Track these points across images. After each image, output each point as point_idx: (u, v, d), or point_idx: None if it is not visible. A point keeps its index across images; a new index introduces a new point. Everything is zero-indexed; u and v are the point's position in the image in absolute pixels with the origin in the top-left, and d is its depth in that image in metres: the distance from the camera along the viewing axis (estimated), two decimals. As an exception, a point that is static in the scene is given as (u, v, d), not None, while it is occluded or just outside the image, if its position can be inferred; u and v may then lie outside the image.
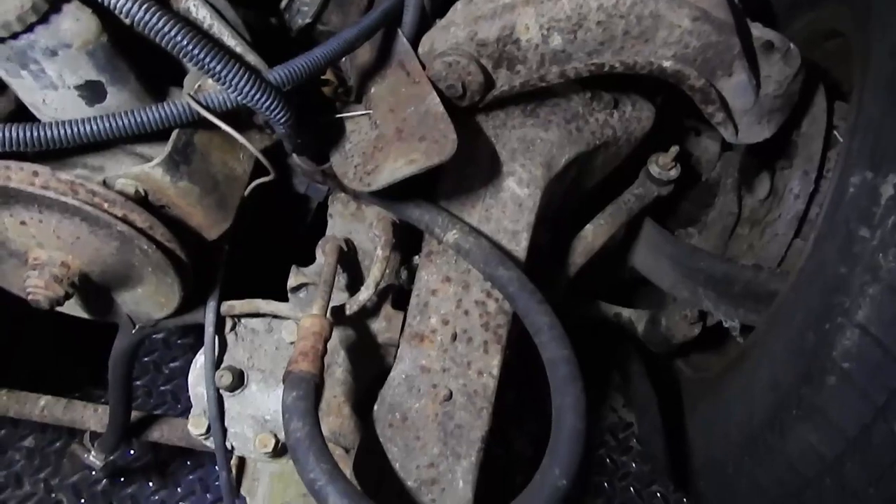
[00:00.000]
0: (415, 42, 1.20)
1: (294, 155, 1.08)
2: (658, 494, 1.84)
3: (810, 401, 1.09)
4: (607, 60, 1.15)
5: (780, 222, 1.43)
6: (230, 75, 0.86)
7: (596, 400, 2.00)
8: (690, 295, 1.52)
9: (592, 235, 1.44)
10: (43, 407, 1.43)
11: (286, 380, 0.88)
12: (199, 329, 1.04)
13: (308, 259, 1.17)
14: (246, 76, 0.87)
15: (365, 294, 1.06)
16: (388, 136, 1.07)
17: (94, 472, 1.41)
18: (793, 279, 1.22)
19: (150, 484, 1.72)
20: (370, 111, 1.12)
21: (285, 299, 1.14)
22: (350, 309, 1.06)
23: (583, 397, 0.88)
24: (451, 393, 1.05)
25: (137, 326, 1.08)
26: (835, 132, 1.43)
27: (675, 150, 1.46)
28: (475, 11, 1.17)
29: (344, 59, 1.19)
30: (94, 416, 1.42)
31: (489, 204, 1.19)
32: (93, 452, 1.38)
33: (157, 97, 0.95)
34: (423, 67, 1.17)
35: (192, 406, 1.10)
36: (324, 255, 1.11)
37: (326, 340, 0.94)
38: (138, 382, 1.89)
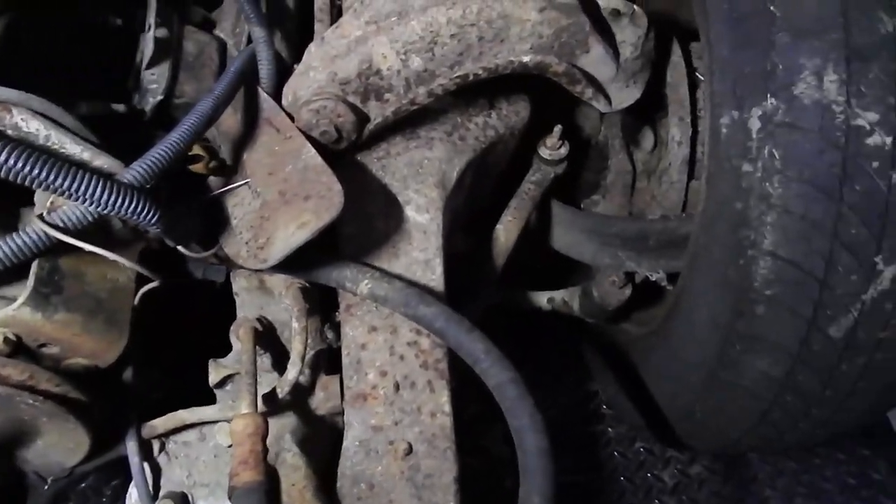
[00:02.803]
0: (277, 95, 1.16)
1: (179, 247, 1.01)
2: (642, 450, 1.85)
3: (749, 332, 1.14)
4: (470, 70, 1.13)
5: (671, 170, 1.47)
6: (80, 187, 0.79)
7: (558, 379, 2.00)
8: (613, 260, 1.54)
9: (504, 234, 1.43)
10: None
11: (232, 496, 0.82)
12: (126, 462, 0.96)
13: (226, 348, 1.11)
14: (98, 184, 0.80)
15: (293, 371, 1.01)
16: (273, 203, 1.02)
17: None
18: (698, 221, 1.25)
19: None
20: (248, 180, 1.06)
21: (213, 398, 1.07)
22: (282, 391, 1.01)
23: (538, 415, 0.87)
24: (410, 446, 1.02)
25: (49, 481, 0.98)
26: (697, 74, 1.47)
27: (558, 129, 1.46)
28: (330, 51, 1.13)
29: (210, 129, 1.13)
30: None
31: (395, 240, 1.16)
32: None
33: (5, 224, 0.86)
34: (293, 119, 1.13)
35: None
36: (239, 342, 1.05)
37: (265, 438, 0.88)
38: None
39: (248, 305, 1.13)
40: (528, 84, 1.43)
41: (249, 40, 1.22)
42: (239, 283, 1.15)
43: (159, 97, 1.16)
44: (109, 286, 0.95)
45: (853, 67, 1.00)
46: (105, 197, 0.81)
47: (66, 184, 0.78)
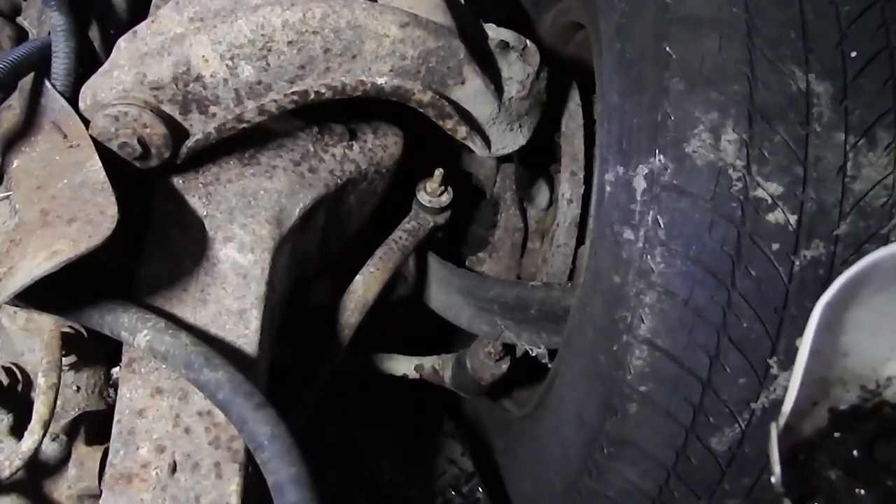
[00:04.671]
0: (74, 95, 0.95)
1: None
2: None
3: (618, 434, 0.95)
4: (311, 86, 0.95)
5: (559, 232, 1.31)
6: None
7: (431, 454, 1.79)
8: (490, 328, 1.36)
9: (364, 287, 1.24)
10: None
11: None
12: None
13: None
14: None
15: (29, 441, 0.78)
16: (30, 224, 0.81)
17: None
18: (577, 294, 1.08)
19: None
20: (8, 193, 0.85)
21: None
22: (12, 465, 0.77)
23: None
24: (175, 546, 0.79)
25: None
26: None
27: (439, 173, 1.30)
28: (141, 48, 0.94)
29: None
30: None
31: (204, 282, 0.96)
32: None
33: None
34: (87, 126, 0.92)
35: None
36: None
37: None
38: None
39: (7, 349, 0.90)
40: (404, 117, 1.27)
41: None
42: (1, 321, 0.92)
43: None
44: None
45: (756, 127, 0.83)
46: None
47: None
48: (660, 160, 0.85)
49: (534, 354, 1.35)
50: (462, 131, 1.08)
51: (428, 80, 1.01)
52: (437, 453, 1.82)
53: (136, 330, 0.82)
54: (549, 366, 1.36)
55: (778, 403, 0.86)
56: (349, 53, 0.95)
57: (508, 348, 1.41)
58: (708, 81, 0.83)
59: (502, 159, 1.52)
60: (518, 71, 1.13)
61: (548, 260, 1.43)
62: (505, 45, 1.13)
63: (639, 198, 0.87)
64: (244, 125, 0.97)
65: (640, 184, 0.87)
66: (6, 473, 0.77)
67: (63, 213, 0.80)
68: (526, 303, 1.31)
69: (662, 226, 0.85)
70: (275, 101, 0.95)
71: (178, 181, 1.02)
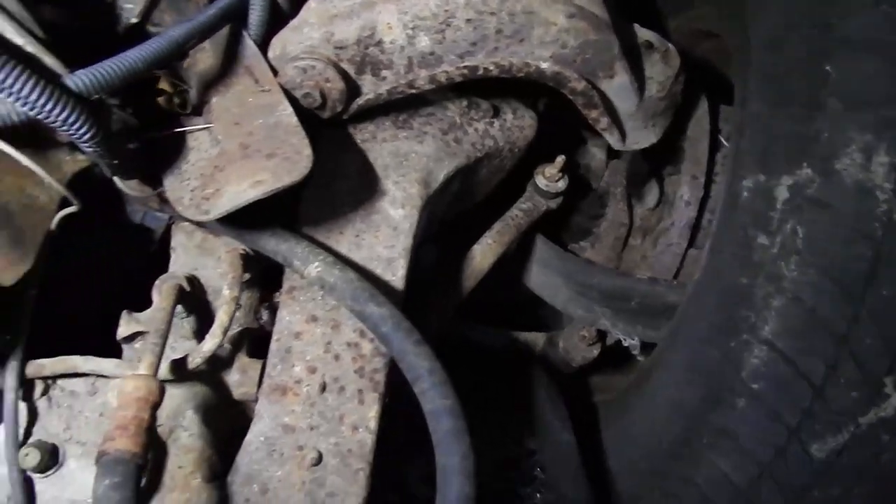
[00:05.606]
0: (264, 45, 1.05)
1: (116, 179, 0.89)
2: (567, 526, 1.72)
3: (720, 426, 1.00)
4: (481, 62, 1.03)
5: (672, 231, 1.36)
6: (13, 81, 0.68)
7: (495, 426, 1.87)
8: (586, 313, 1.43)
9: (480, 256, 1.32)
10: None
11: (99, 461, 0.70)
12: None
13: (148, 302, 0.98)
14: (35, 83, 0.68)
15: (210, 343, 0.89)
16: (232, 154, 0.91)
17: None
18: (690, 291, 1.14)
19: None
20: (211, 125, 0.95)
21: (119, 353, 0.95)
22: (193, 362, 0.88)
23: (471, 455, 0.75)
24: (320, 455, 0.89)
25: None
26: (720, 136, 1.38)
27: (561, 160, 1.37)
28: (331, 9, 1.03)
29: (184, 65, 1.02)
30: None
31: (360, 229, 1.05)
32: None
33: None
34: (275, 74, 1.02)
35: None
36: (160, 298, 0.93)
37: (155, 406, 0.76)
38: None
39: (182, 263, 1.01)
40: (537, 103, 1.34)
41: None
42: (178, 238, 1.03)
43: (133, 20, 1.05)
44: (25, 201, 0.83)
45: (911, 153, 0.85)
46: (38, 97, 0.70)
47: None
48: (807, 173, 0.90)
49: (625, 345, 1.41)
50: (603, 122, 1.15)
51: (582, 70, 1.08)
52: (499, 431, 1.89)
53: (308, 261, 0.92)
54: (638, 357, 1.42)
55: (886, 423, 0.91)
56: (518, 36, 1.03)
57: (601, 335, 1.48)
58: (866, 104, 0.87)
59: (612, 154, 1.59)
60: (659, 72, 1.19)
61: (648, 257, 1.49)
62: (649, 46, 1.19)
63: (779, 206, 0.93)
64: (413, 91, 1.06)
65: (781, 193, 0.92)
66: (191, 366, 0.87)
67: (262, 148, 0.90)
68: (628, 294, 1.37)
69: (801, 235, 0.90)
70: (446, 72, 1.03)
71: (340, 134, 1.11)
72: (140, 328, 0.93)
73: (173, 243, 1.03)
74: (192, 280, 0.96)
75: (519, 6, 1.00)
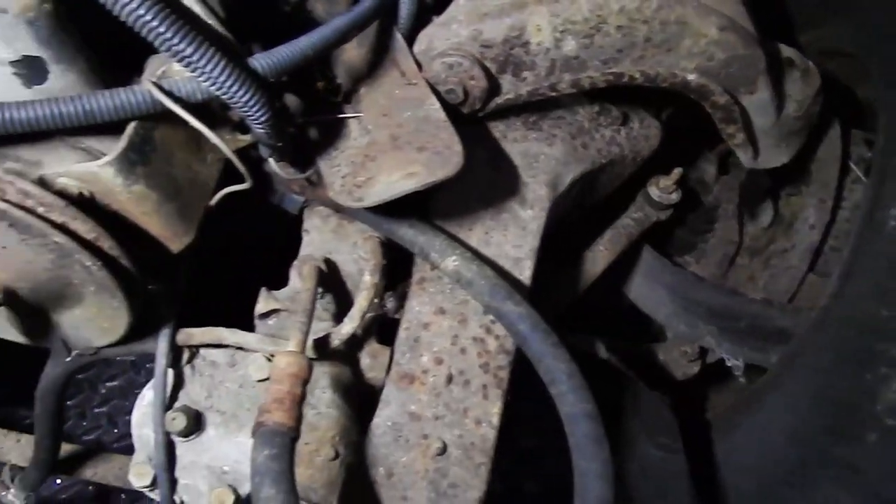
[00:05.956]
0: (411, 38, 1.07)
1: (271, 160, 0.92)
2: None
3: (845, 459, 0.98)
4: (627, 70, 1.03)
5: (792, 254, 1.33)
6: (204, 62, 0.71)
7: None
8: (689, 329, 1.41)
9: (591, 263, 1.32)
10: (-47, 432, 1.23)
11: (257, 433, 0.72)
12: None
13: (277, 280, 1.02)
14: (224, 64, 0.71)
15: (349, 326, 0.91)
16: (382, 144, 0.93)
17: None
18: (816, 318, 1.12)
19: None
20: (360, 114, 0.97)
21: (248, 327, 0.98)
22: (331, 343, 0.91)
23: (610, 461, 0.75)
24: (444, 445, 0.91)
25: (74, 353, 0.90)
26: (850, 162, 1.34)
27: (678, 172, 1.35)
28: (480, 7, 1.04)
29: (334, 54, 1.04)
30: (15, 448, 1.22)
31: (489, 226, 1.06)
32: (12, 490, 1.18)
33: (113, 83, 0.78)
34: (420, 68, 1.04)
35: (132, 443, 0.92)
36: (300, 279, 0.96)
37: (305, 383, 0.79)
38: (70, 402, 1.65)
39: (315, 245, 1.04)
40: (661, 114, 1.32)
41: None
42: (312, 221, 1.06)
43: (286, 7, 1.08)
44: (192, 176, 0.86)
45: None
46: (226, 78, 0.73)
47: (192, 53, 0.69)
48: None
49: (728, 365, 1.39)
50: (739, 138, 1.13)
51: (725, 84, 1.07)
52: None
53: (445, 254, 0.93)
54: (740, 378, 1.40)
55: None
56: (666, 46, 1.02)
57: (702, 351, 1.46)
58: None
59: (722, 169, 1.56)
60: (798, 90, 1.17)
61: (757, 278, 1.46)
62: (790, 63, 1.17)
63: (931, 237, 0.90)
64: (553, 94, 1.06)
65: (933, 224, 0.90)
66: (332, 347, 0.90)
67: (412, 141, 0.92)
68: (737, 314, 1.35)
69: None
70: (591, 77, 1.03)
71: (474, 131, 1.12)
72: (277, 305, 0.96)
73: (307, 226, 1.06)
74: (328, 263, 0.99)
75: (673, 16, 0.99)
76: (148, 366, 1.59)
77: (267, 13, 1.01)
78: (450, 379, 0.95)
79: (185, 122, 0.80)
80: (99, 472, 1.23)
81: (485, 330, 0.98)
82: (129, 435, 0.91)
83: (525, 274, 1.04)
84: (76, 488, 1.54)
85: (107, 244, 0.73)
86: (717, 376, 1.46)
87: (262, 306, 0.96)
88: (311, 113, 0.97)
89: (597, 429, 0.78)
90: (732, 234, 1.51)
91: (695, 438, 1.42)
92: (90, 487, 1.50)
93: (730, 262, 1.52)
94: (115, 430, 1.62)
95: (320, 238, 1.04)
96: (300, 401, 0.77)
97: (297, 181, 0.98)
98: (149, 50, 0.81)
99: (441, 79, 1.03)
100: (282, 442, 0.71)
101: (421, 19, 1.08)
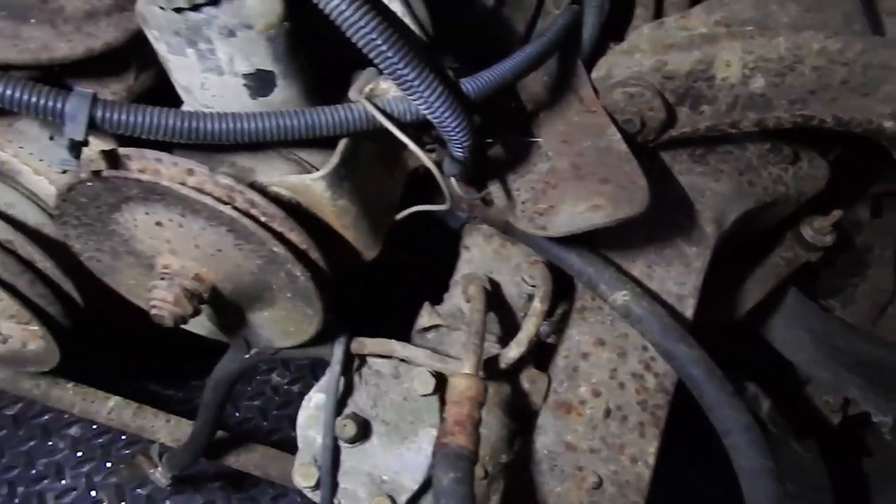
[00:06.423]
0: (589, 64, 1.06)
1: (452, 179, 0.93)
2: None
3: None
4: (817, 112, 0.99)
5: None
6: (424, 87, 0.72)
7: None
8: (832, 377, 1.35)
9: (739, 302, 1.28)
10: (111, 408, 1.30)
11: (440, 454, 0.74)
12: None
13: (428, 292, 1.03)
14: (441, 90, 0.73)
15: (516, 351, 0.92)
16: (563, 172, 0.93)
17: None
18: None
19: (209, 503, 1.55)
20: (540, 139, 0.97)
21: (398, 336, 0.99)
22: (502, 363, 0.91)
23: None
24: (600, 480, 0.90)
25: (253, 351, 0.94)
26: None
27: (837, 214, 1.29)
28: (665, 38, 1.02)
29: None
30: (165, 427, 1.29)
31: (652, 260, 1.04)
32: (160, 469, 1.25)
33: (320, 99, 0.81)
34: (597, 94, 1.03)
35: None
36: (466, 296, 0.97)
37: (482, 406, 0.79)
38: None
39: (475, 263, 1.05)
40: (827, 153, 1.27)
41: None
42: (474, 239, 1.06)
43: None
44: (382, 192, 0.89)
45: None
46: (439, 103, 0.74)
47: (413, 77, 0.71)
48: None
49: (875, 420, 1.32)
50: (925, 189, 1.07)
51: (918, 133, 1.01)
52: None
53: (615, 288, 0.92)
54: (886, 436, 1.33)
55: None
56: (863, 90, 0.97)
57: (845, 402, 1.39)
58: None
59: (876, 213, 1.48)
60: None
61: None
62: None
63: None
64: (732, 131, 1.03)
65: None
66: (498, 369, 0.90)
67: (594, 171, 0.91)
68: (888, 367, 1.28)
69: None
70: (777, 117, 1.00)
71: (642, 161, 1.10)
72: (440, 321, 0.98)
73: (468, 243, 1.07)
74: (492, 283, 0.99)
75: (877, 59, 0.94)
76: (297, 366, 1.64)
77: (456, 31, 1.02)
78: (607, 413, 0.94)
79: (378, 140, 0.82)
80: (241, 459, 1.28)
81: (644, 366, 0.97)
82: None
83: (688, 312, 1.02)
84: (198, 467, 1.59)
85: (314, 255, 0.76)
86: (860, 430, 1.40)
87: (425, 321, 0.98)
88: (491, 134, 0.98)
89: (777, 488, 0.75)
90: (886, 281, 1.44)
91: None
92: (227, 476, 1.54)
93: (881, 311, 1.45)
94: (265, 423, 1.62)
95: (481, 256, 1.05)
96: (478, 424, 0.77)
97: (468, 200, 0.99)
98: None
99: (619, 107, 1.02)
100: (465, 466, 0.72)
101: (600, 45, 1.08)
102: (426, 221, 1.15)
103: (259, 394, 1.64)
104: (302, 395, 0.93)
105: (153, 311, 0.76)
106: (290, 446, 1.35)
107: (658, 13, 1.16)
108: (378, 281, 1.23)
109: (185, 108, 0.81)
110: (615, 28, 1.14)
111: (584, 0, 1.08)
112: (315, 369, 1.67)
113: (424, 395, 0.91)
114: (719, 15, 1.03)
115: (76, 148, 0.67)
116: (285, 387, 1.67)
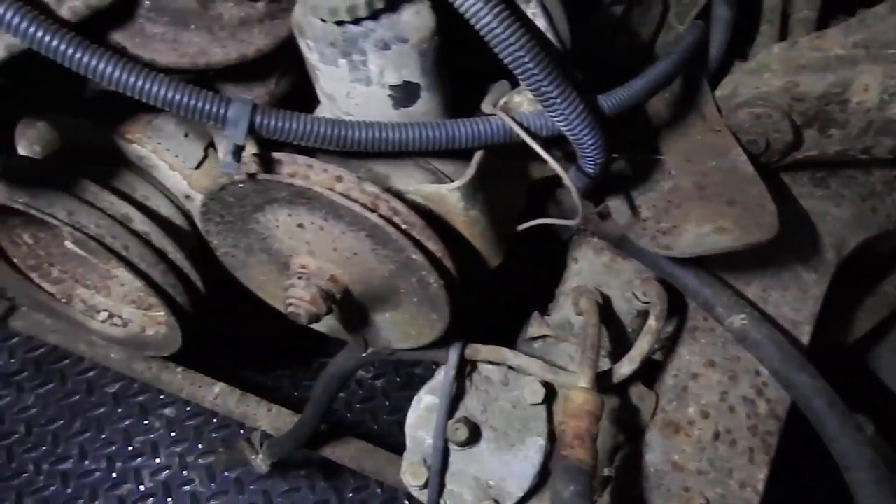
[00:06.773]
0: (712, 81, 1.05)
1: (574, 192, 0.94)
2: None
3: None
4: (960, 143, 0.95)
5: None
6: (566, 104, 0.73)
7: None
8: (939, 413, 1.30)
9: (851, 330, 1.25)
10: (217, 394, 1.36)
11: (561, 466, 0.75)
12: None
13: (533, 300, 1.04)
14: (582, 108, 0.74)
15: (629, 367, 0.92)
16: (687, 192, 0.92)
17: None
18: None
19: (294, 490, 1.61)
20: (663, 156, 0.97)
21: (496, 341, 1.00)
22: (611, 381, 0.92)
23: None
24: (707, 502, 0.89)
25: (370, 350, 0.97)
26: None
27: (957, 245, 1.23)
28: (797, 59, 1.00)
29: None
30: (267, 416, 1.34)
31: (767, 284, 1.02)
32: (260, 455, 1.30)
33: (454, 111, 0.83)
34: (720, 113, 1.02)
35: (400, 443, 0.98)
36: (577, 308, 0.98)
37: (598, 421, 0.80)
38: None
39: (584, 276, 1.05)
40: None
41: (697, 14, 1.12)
42: (583, 252, 1.07)
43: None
44: (507, 203, 0.91)
45: None
46: (580, 121, 0.75)
47: (556, 94, 0.72)
48: None
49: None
50: None
51: None
52: None
53: (732, 311, 0.91)
54: None
55: None
56: None
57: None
58: None
59: None
60: None
61: None
62: None
63: None
64: (863, 157, 1.01)
65: None
66: (614, 380, 0.91)
67: (721, 193, 0.90)
68: None
69: None
70: (915, 146, 0.97)
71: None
72: (548, 332, 0.99)
73: (576, 255, 1.07)
74: (604, 297, 1.00)
75: None
76: (381, 362, 1.67)
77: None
78: (716, 436, 0.93)
79: (506, 152, 0.83)
80: (336, 451, 1.32)
81: (756, 391, 0.96)
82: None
83: (804, 339, 0.99)
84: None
85: (448, 264, 0.78)
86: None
87: (534, 330, 0.99)
88: (615, 149, 0.98)
89: (904, 531, 0.73)
90: None
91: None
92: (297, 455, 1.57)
93: None
94: (349, 416, 1.65)
95: (590, 270, 1.05)
96: (595, 439, 0.78)
97: (589, 215, 0.99)
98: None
99: (744, 128, 1.01)
100: (585, 480, 0.73)
101: (725, 63, 1.06)
102: (535, 231, 1.16)
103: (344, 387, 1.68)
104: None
105: (289, 309, 0.80)
106: (372, 439, 1.40)
107: (784, 31, 1.14)
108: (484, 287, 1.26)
109: (322, 113, 0.84)
110: (739, 45, 1.12)
111: (712, 16, 1.07)
112: (398, 367, 1.71)
113: (534, 405, 0.92)
114: (858, 37, 0.99)
115: (237, 152, 0.70)
116: (369, 381, 1.71)
